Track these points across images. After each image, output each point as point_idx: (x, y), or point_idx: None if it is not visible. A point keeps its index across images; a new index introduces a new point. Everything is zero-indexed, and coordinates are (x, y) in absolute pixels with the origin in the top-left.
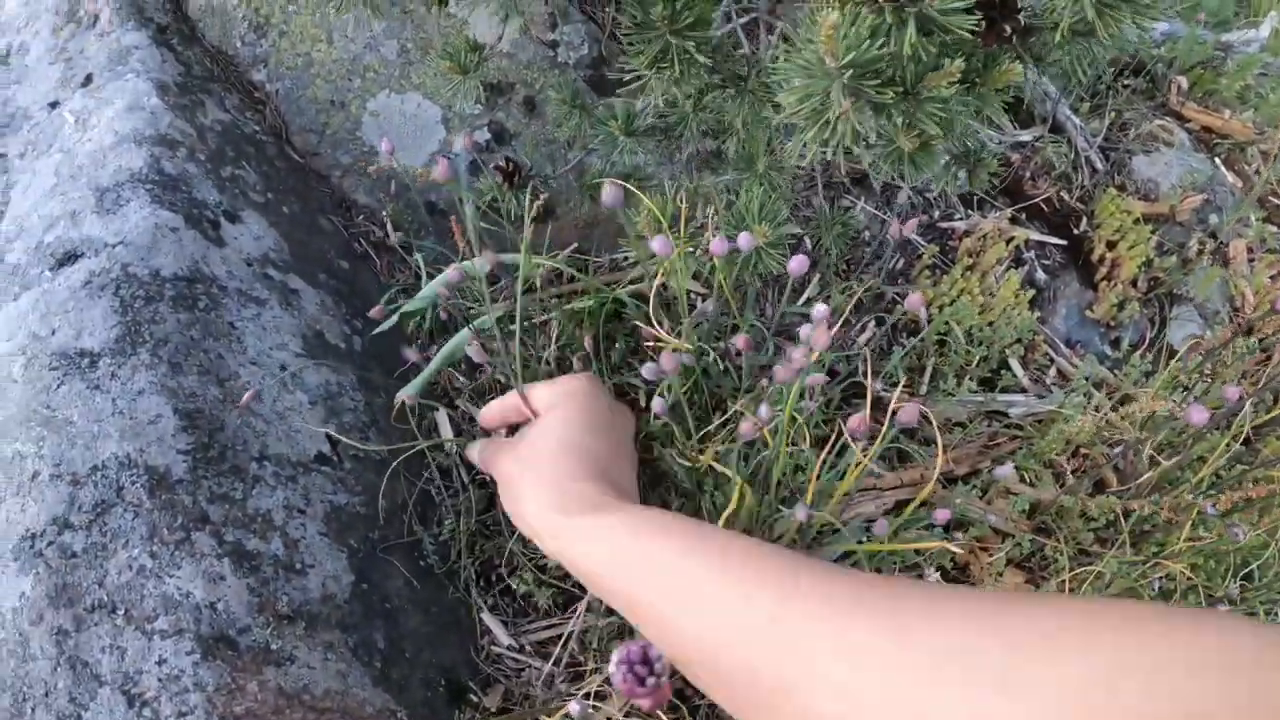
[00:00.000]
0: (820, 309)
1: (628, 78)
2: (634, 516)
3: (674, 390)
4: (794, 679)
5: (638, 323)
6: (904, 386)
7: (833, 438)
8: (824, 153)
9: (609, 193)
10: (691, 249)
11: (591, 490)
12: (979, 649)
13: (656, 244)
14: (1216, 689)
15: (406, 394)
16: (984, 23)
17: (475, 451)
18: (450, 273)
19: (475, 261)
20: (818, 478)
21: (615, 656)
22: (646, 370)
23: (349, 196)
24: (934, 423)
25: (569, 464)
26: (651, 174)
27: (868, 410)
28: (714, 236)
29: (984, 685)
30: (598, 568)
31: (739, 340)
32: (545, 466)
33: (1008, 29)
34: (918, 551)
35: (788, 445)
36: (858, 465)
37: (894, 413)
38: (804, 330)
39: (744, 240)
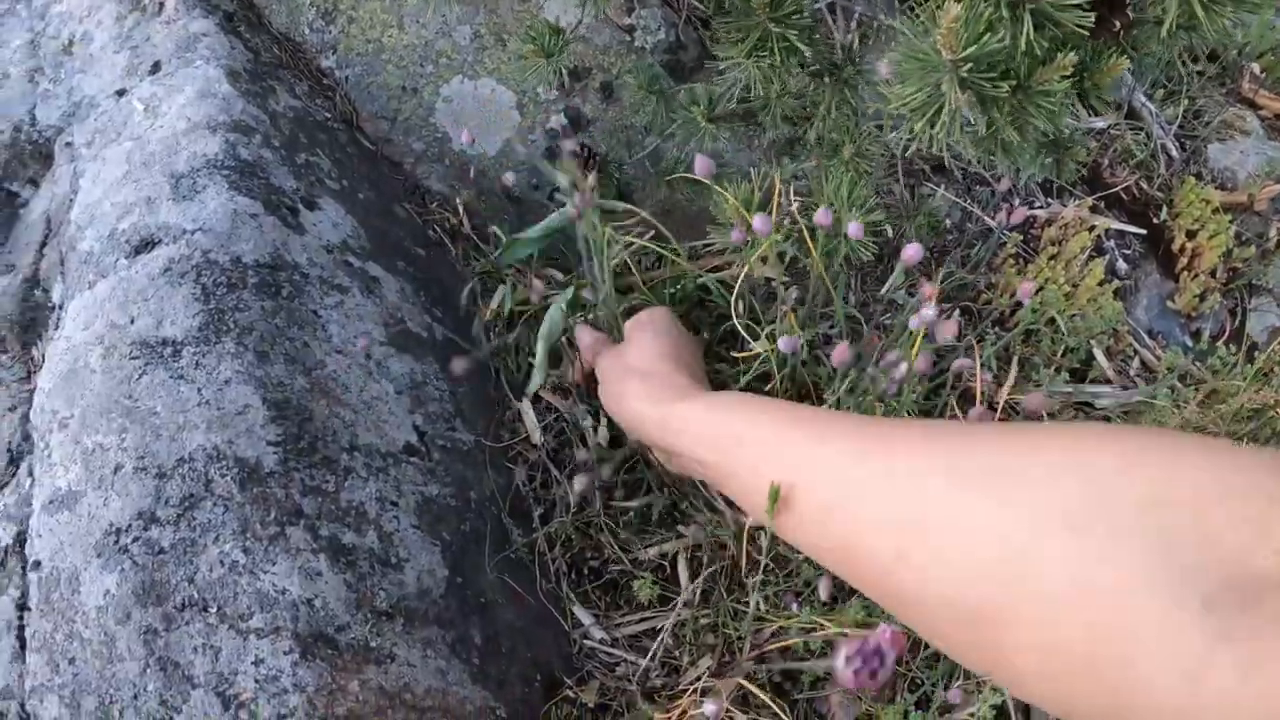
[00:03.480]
0: (927, 287)
1: (723, 66)
2: (725, 396)
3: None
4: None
5: (726, 311)
6: (995, 379)
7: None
8: (930, 144)
9: (701, 163)
10: (781, 236)
11: (685, 383)
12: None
13: (756, 222)
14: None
15: (532, 389)
16: (1094, 18)
17: (584, 337)
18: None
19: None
20: None
21: (847, 650)
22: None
23: (422, 184)
24: (1043, 414)
25: (665, 365)
26: (730, 160)
27: (979, 400)
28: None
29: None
30: (698, 443)
31: (836, 352)
32: (647, 367)
33: (1116, 23)
34: None
35: None
36: None
37: (994, 406)
38: (921, 316)
39: (853, 228)
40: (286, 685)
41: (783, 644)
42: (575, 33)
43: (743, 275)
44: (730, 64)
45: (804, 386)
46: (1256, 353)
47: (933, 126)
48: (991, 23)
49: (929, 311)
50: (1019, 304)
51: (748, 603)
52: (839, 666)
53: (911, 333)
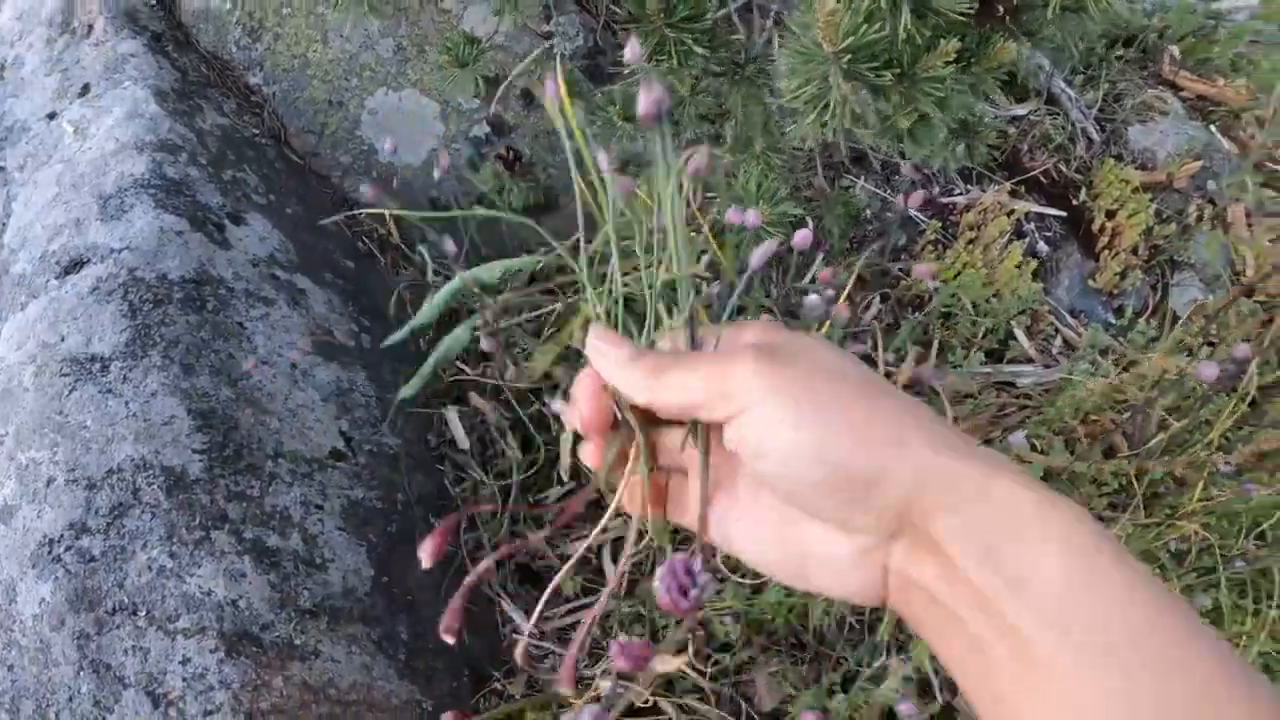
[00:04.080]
0: (823, 272)
1: (627, 70)
2: (1084, 517)
3: None
4: None
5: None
6: (913, 360)
7: None
8: (824, 135)
9: (620, 183)
10: (695, 232)
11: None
12: None
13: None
14: None
15: (406, 393)
16: (977, 4)
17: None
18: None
19: (487, 268)
20: None
21: (660, 571)
22: None
23: (350, 196)
24: (942, 394)
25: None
26: (650, 161)
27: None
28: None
29: None
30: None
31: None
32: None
33: (1000, 9)
34: None
35: None
36: None
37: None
38: (808, 302)
39: (750, 217)
40: (212, 682)
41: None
42: (493, 41)
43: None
44: (631, 68)
45: None
46: (1179, 325)
47: (824, 118)
48: (870, 13)
49: (815, 298)
50: (937, 288)
51: None
52: (657, 589)
53: (820, 320)
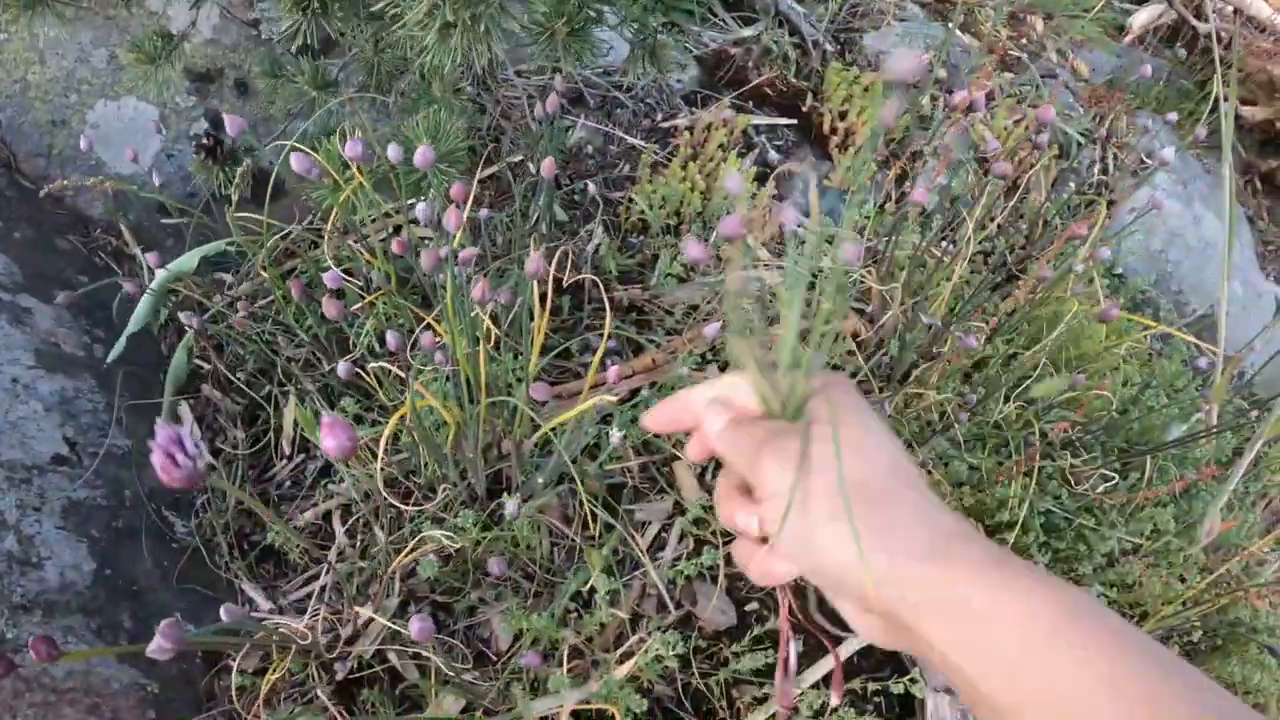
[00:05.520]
0: (457, 187)
1: (284, 26)
2: (1060, 596)
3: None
4: None
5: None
6: (636, 283)
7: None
8: (448, 56)
9: (297, 161)
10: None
11: (968, 531)
12: None
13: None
14: None
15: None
16: None
17: (719, 426)
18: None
19: (182, 260)
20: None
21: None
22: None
23: (84, 213)
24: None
25: (919, 495)
26: (353, 126)
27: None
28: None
29: None
30: (993, 660)
31: (395, 244)
32: (878, 484)
33: None
34: (660, 439)
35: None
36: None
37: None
38: (419, 210)
39: (422, 155)
40: None
41: (418, 552)
42: (195, 35)
43: (330, 223)
44: (291, 24)
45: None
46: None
47: (442, 37)
48: None
49: (422, 205)
50: (652, 204)
51: (399, 541)
52: (155, 465)
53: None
